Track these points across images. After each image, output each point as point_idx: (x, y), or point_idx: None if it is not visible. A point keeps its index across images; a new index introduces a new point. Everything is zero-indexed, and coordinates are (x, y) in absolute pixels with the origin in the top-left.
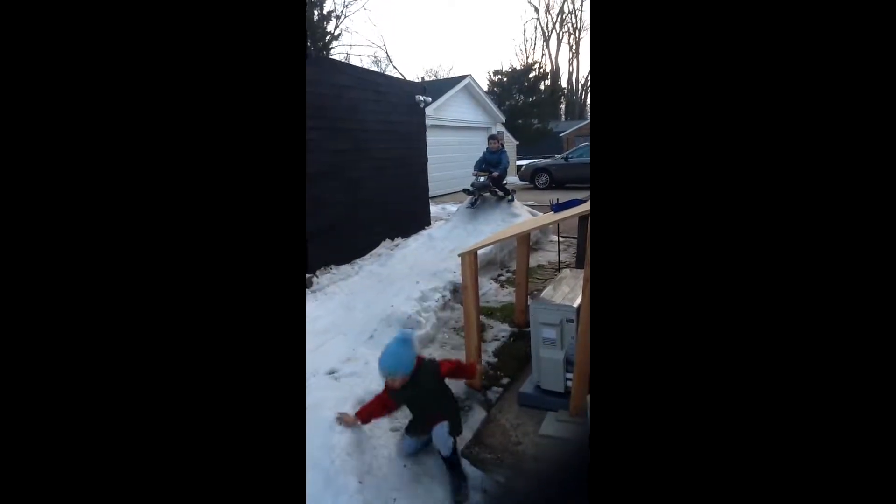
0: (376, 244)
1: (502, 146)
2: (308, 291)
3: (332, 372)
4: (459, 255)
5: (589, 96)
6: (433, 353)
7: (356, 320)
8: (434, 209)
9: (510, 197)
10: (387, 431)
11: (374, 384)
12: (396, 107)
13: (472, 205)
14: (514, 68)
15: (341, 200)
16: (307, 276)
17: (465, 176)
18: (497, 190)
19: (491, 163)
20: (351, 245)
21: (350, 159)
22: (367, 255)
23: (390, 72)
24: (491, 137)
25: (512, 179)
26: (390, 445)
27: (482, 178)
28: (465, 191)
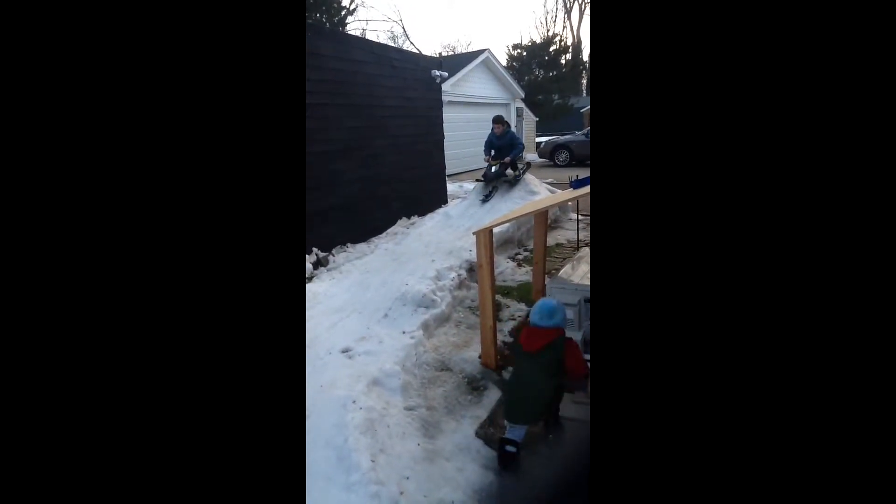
0: (392, 222)
1: (508, 127)
2: (324, 270)
3: (346, 350)
4: (474, 233)
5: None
6: (448, 331)
7: (371, 299)
8: (451, 187)
9: (517, 172)
10: (401, 410)
11: (388, 363)
12: (413, 82)
13: (486, 199)
14: (534, 42)
15: (357, 178)
16: (323, 254)
17: (483, 153)
18: (507, 176)
19: (499, 147)
20: (367, 223)
21: (366, 136)
22: (383, 234)
23: (407, 47)
24: (495, 120)
25: (531, 157)
26: (403, 424)
27: (494, 168)
28: (478, 180)
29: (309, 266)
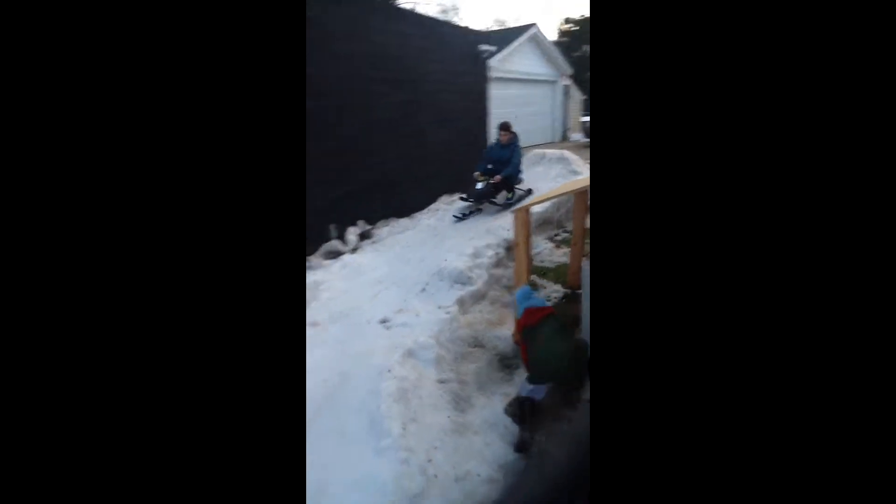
0: (434, 199)
1: (516, 139)
2: (368, 242)
3: (384, 321)
4: (512, 212)
5: None
6: (483, 309)
7: (410, 273)
8: None
9: (511, 196)
10: (434, 383)
11: (423, 335)
12: (460, 57)
13: (461, 219)
14: (586, 17)
15: (401, 153)
16: (368, 227)
17: (526, 132)
18: (496, 199)
19: (498, 160)
20: (410, 199)
21: (410, 111)
22: (425, 210)
23: (457, 22)
24: (501, 127)
25: (576, 137)
26: (435, 396)
27: (480, 185)
28: (461, 198)
29: (354, 238)
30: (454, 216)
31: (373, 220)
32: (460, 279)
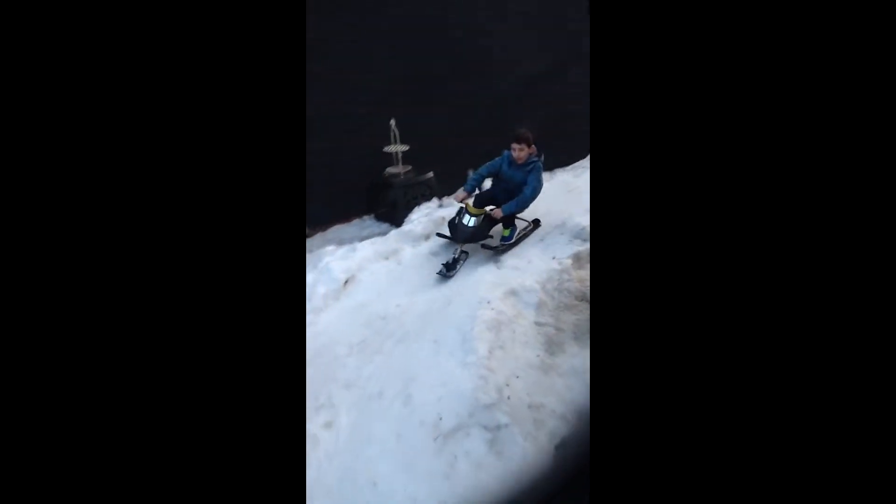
0: (582, 156)
1: (536, 158)
2: None
3: (497, 262)
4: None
5: None
6: None
7: None
8: None
9: (509, 235)
10: (531, 323)
11: (529, 280)
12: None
13: (448, 272)
14: None
15: (548, 110)
16: None
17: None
18: (488, 241)
19: (507, 180)
20: (552, 155)
21: (561, 68)
22: (569, 167)
23: None
24: (517, 138)
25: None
26: (529, 335)
27: (471, 222)
28: (438, 234)
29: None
30: (438, 273)
31: None
32: (581, 235)
